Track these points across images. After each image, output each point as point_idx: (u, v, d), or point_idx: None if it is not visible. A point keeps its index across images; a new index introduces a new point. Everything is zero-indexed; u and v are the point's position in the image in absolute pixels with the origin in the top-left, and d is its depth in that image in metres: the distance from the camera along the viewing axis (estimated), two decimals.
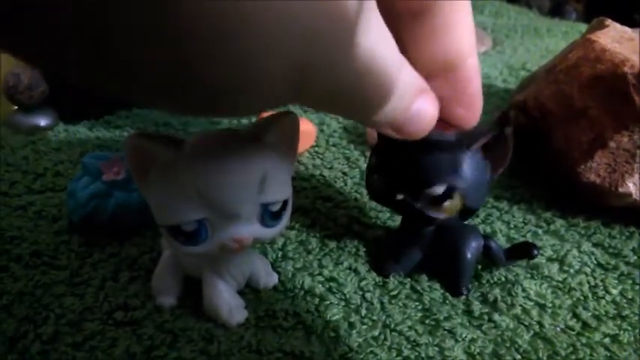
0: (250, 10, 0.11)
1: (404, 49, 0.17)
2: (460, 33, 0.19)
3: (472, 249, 0.28)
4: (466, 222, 0.30)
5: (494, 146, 0.26)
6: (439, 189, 0.25)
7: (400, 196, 0.26)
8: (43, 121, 0.44)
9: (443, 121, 0.25)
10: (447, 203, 0.26)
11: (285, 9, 0.11)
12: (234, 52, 0.12)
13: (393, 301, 0.28)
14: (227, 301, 0.26)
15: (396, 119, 0.18)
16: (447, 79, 0.20)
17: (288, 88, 0.14)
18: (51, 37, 0.11)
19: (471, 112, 0.21)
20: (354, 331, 0.26)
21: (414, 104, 0.18)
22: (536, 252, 0.29)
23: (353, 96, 0.16)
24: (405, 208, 0.27)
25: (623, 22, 0.39)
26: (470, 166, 0.25)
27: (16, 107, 0.44)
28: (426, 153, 0.25)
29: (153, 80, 0.12)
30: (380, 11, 0.14)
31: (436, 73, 0.19)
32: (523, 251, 0.30)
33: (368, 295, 0.28)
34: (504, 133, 0.25)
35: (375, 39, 0.14)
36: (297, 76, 0.13)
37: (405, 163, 0.26)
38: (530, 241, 0.33)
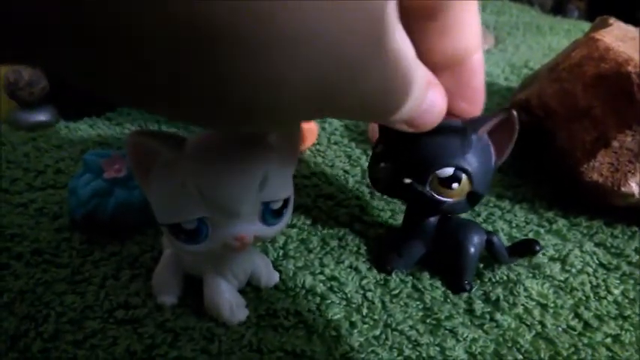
0: (280, 22, 0.11)
1: (413, 43, 0.17)
2: (468, 31, 0.19)
3: (475, 244, 0.28)
4: (468, 219, 0.30)
5: (499, 131, 0.26)
6: (448, 171, 0.25)
7: (408, 180, 0.26)
8: (43, 118, 0.44)
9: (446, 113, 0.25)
10: (455, 185, 0.26)
11: (311, 22, 0.11)
12: (261, 67, 0.11)
13: (394, 300, 0.28)
14: (228, 300, 0.26)
15: (411, 114, 0.18)
16: (452, 73, 0.20)
17: (316, 103, 0.14)
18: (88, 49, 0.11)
19: (474, 104, 0.22)
20: (355, 331, 0.26)
21: (427, 97, 0.18)
22: (538, 247, 0.29)
23: (378, 100, 0.16)
24: (413, 193, 0.27)
25: (625, 21, 0.39)
26: (477, 149, 0.25)
27: (17, 104, 0.44)
28: (435, 136, 0.25)
29: (185, 94, 0.12)
30: None
31: (443, 67, 0.20)
32: (525, 247, 0.30)
33: (369, 294, 0.28)
34: (510, 117, 0.25)
35: (400, 38, 0.15)
36: (326, 90, 0.13)
37: (413, 147, 0.26)
38: None
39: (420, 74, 0.17)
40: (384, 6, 0.13)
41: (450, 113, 0.24)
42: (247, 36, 0.11)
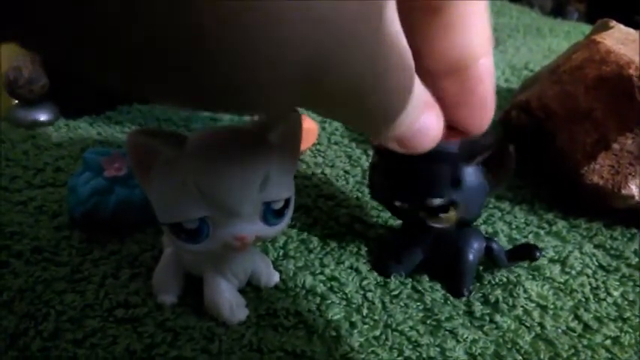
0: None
1: (413, 47, 0.16)
2: (474, 31, 0.18)
3: (474, 250, 0.28)
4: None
5: (495, 160, 0.25)
6: (437, 201, 0.25)
7: (399, 204, 0.26)
8: (43, 116, 0.44)
9: (449, 126, 0.24)
10: (443, 215, 0.26)
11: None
12: (252, 40, 0.11)
13: (394, 301, 0.28)
14: (228, 299, 0.26)
15: (404, 132, 0.18)
16: (457, 78, 0.19)
17: (306, 83, 0.13)
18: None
19: (479, 115, 0.21)
20: (355, 331, 0.26)
21: (421, 118, 0.18)
22: (538, 254, 0.29)
23: (373, 97, 0.15)
24: (404, 214, 0.27)
25: (624, 24, 0.39)
26: (469, 179, 0.25)
27: (17, 101, 0.44)
28: (427, 164, 0.25)
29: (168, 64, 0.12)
30: None
31: (447, 71, 0.19)
32: (525, 253, 0.30)
33: (369, 295, 0.28)
34: (507, 149, 0.25)
35: (399, 31, 0.14)
36: (319, 70, 0.13)
37: (405, 171, 0.26)
38: (532, 242, 0.33)
39: (416, 89, 0.16)
40: None
41: (453, 124, 0.24)
42: (234, 8, 0.10)
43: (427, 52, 0.18)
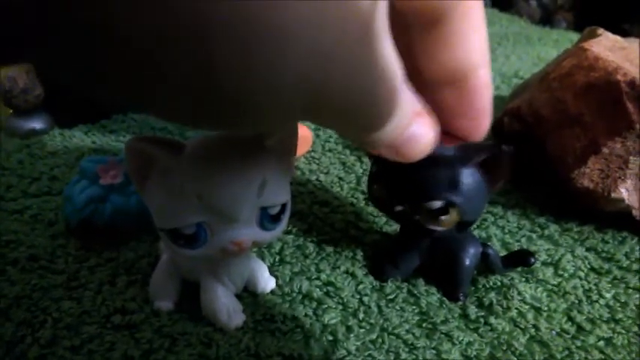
0: (273, 16, 0.11)
1: (412, 58, 0.16)
2: (471, 42, 0.18)
3: (471, 256, 0.28)
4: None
5: (492, 162, 0.26)
6: (436, 204, 0.26)
7: (399, 208, 0.27)
8: (38, 125, 0.44)
9: (446, 132, 0.25)
10: (443, 217, 0.26)
11: (305, 15, 0.11)
12: (255, 58, 0.11)
13: (390, 305, 0.28)
14: (225, 305, 0.26)
15: (394, 140, 0.18)
16: (454, 90, 0.19)
17: (304, 102, 0.13)
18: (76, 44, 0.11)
19: (477, 125, 0.21)
20: (351, 335, 0.26)
21: (412, 126, 0.18)
22: (532, 260, 0.30)
23: (360, 109, 0.15)
24: (404, 219, 0.27)
25: (612, 32, 0.40)
26: (467, 181, 0.26)
27: (12, 111, 0.44)
28: (424, 167, 0.25)
29: (170, 85, 0.12)
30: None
31: (445, 82, 0.19)
32: (520, 259, 0.30)
33: (365, 299, 0.29)
34: (503, 149, 0.25)
35: (390, 46, 0.14)
36: (314, 89, 0.13)
37: (403, 176, 0.26)
38: (525, 245, 0.33)
39: (406, 99, 0.16)
40: (374, 6, 0.13)
41: (451, 132, 0.24)
42: (236, 30, 0.11)
43: (425, 64, 0.19)
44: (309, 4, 0.11)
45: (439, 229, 0.27)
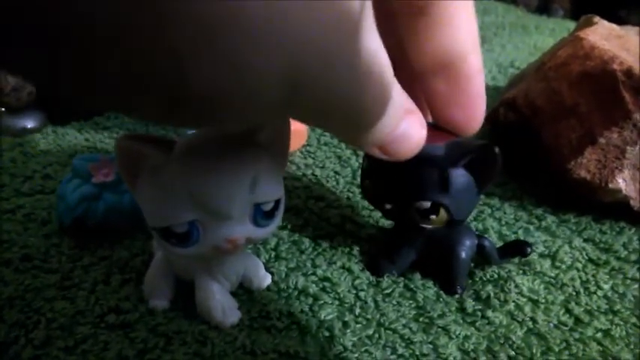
0: (239, 7, 0.10)
1: (402, 47, 0.16)
2: (461, 29, 0.18)
3: (466, 248, 0.28)
4: None
5: (481, 161, 0.25)
6: (425, 204, 0.26)
7: (388, 206, 0.27)
8: (30, 123, 0.44)
9: (438, 127, 0.24)
10: (432, 217, 0.26)
11: (277, 6, 0.11)
12: (222, 50, 0.11)
13: (386, 300, 0.28)
14: (220, 303, 0.26)
15: (384, 139, 0.17)
16: (445, 77, 0.19)
17: (281, 96, 0.13)
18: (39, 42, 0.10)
19: (470, 114, 0.20)
20: (348, 330, 0.26)
21: (402, 125, 0.17)
22: (529, 250, 0.30)
23: (350, 107, 0.15)
24: (395, 216, 0.27)
25: (609, 19, 0.40)
26: (456, 182, 0.25)
27: (3, 109, 0.44)
28: (413, 168, 0.25)
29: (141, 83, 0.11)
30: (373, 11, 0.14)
31: (435, 71, 0.19)
32: (516, 249, 0.30)
33: (362, 294, 0.28)
34: (492, 149, 0.25)
35: (378, 43, 0.14)
36: (292, 83, 0.12)
37: (392, 174, 0.26)
38: (522, 237, 0.33)
39: (396, 96, 0.16)
40: (363, 6, 0.12)
41: (443, 124, 0.24)
42: (212, 19, 0.10)
43: (414, 53, 0.18)
44: (299, 3, 0.11)
45: (429, 227, 0.27)
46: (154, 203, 0.23)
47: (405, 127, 0.18)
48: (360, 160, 0.41)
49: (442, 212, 0.26)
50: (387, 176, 0.26)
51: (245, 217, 0.23)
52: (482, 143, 0.25)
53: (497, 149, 0.25)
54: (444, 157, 0.25)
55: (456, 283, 0.29)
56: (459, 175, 0.25)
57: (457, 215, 0.26)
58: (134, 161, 0.22)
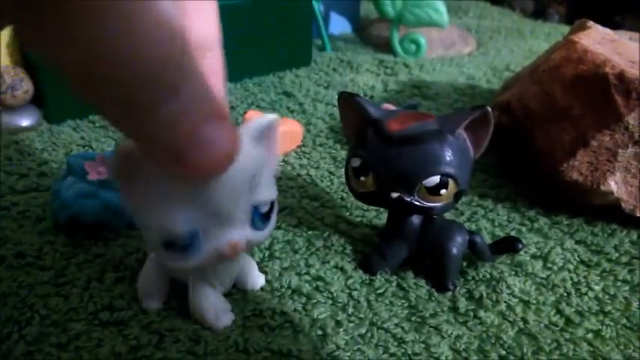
0: None
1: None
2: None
3: (458, 244, 0.28)
4: (451, 220, 0.30)
5: (476, 126, 0.26)
6: (434, 179, 0.26)
7: (395, 195, 0.27)
8: (26, 121, 0.44)
9: (410, 112, 0.25)
10: (443, 191, 0.26)
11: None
12: None
13: (379, 299, 0.28)
14: (213, 305, 0.26)
15: (178, 140, 0.15)
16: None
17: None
18: None
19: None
20: (341, 329, 0.26)
21: (204, 127, 0.15)
22: (520, 246, 0.30)
23: (126, 61, 0.12)
24: (401, 204, 0.27)
25: (604, 24, 0.40)
26: (456, 149, 0.26)
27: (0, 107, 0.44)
28: (414, 147, 0.25)
29: None
30: None
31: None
32: (507, 246, 0.30)
33: (355, 294, 0.29)
34: (484, 111, 0.26)
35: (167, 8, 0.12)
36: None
37: (395, 160, 0.26)
38: None
39: (194, 82, 0.14)
40: None
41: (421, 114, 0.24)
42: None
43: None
44: None
45: (439, 204, 0.27)
46: (152, 212, 0.22)
47: (210, 131, 0.15)
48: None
49: (451, 184, 0.26)
50: (387, 165, 0.26)
51: (244, 221, 0.23)
52: (475, 105, 0.26)
53: (490, 110, 0.26)
54: (439, 129, 0.26)
55: (447, 279, 0.29)
56: (458, 142, 0.26)
57: (463, 184, 0.27)
58: (132, 171, 0.22)
